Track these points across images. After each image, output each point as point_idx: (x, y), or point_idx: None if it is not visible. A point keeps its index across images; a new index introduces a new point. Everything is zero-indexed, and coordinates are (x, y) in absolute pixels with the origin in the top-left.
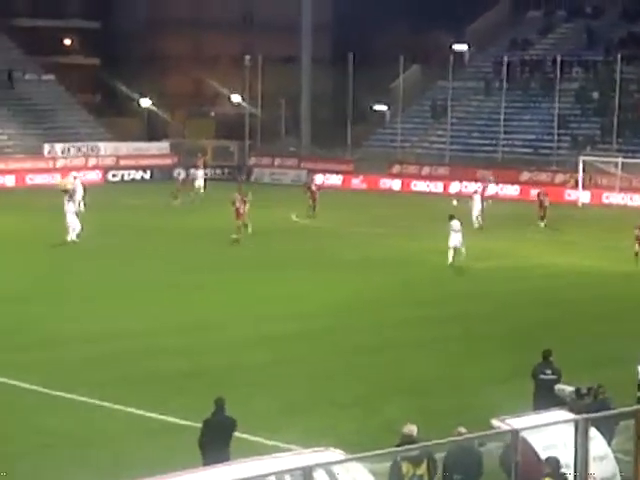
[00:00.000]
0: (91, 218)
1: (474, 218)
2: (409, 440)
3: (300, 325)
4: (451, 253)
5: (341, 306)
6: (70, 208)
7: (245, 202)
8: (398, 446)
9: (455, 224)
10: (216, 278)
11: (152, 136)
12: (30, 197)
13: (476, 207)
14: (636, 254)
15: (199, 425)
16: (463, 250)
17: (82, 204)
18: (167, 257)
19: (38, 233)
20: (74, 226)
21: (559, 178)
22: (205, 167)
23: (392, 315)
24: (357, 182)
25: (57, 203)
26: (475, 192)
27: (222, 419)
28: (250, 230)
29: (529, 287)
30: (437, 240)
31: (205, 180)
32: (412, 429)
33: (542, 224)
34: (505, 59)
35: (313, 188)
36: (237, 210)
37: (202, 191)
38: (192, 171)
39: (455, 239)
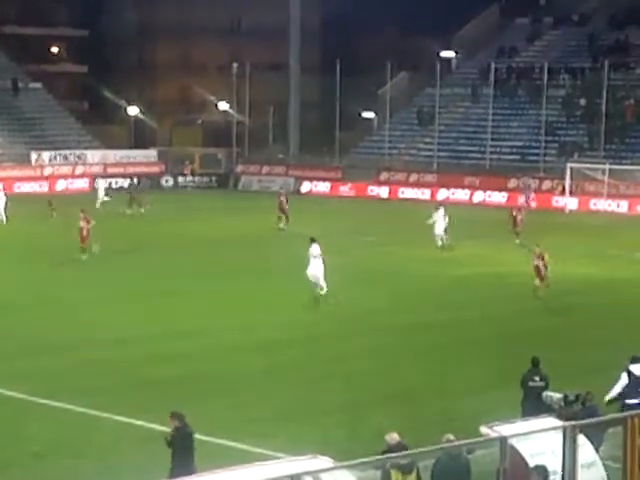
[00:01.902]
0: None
1: (437, 236)
2: (398, 448)
3: (289, 332)
4: (316, 286)
5: (329, 314)
6: None
7: (89, 221)
8: (383, 454)
9: (315, 249)
10: (206, 285)
11: (139, 144)
12: (17, 205)
13: (439, 223)
14: (535, 289)
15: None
16: (322, 286)
17: (3, 215)
18: (157, 264)
19: (22, 241)
20: None
21: (546, 185)
22: (193, 175)
23: (381, 322)
24: (345, 189)
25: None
26: (438, 206)
27: (188, 431)
28: (96, 250)
29: (516, 294)
30: (425, 247)
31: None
32: (395, 437)
33: (517, 241)
34: (492, 66)
35: (281, 198)
36: (81, 230)
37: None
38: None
39: (315, 268)
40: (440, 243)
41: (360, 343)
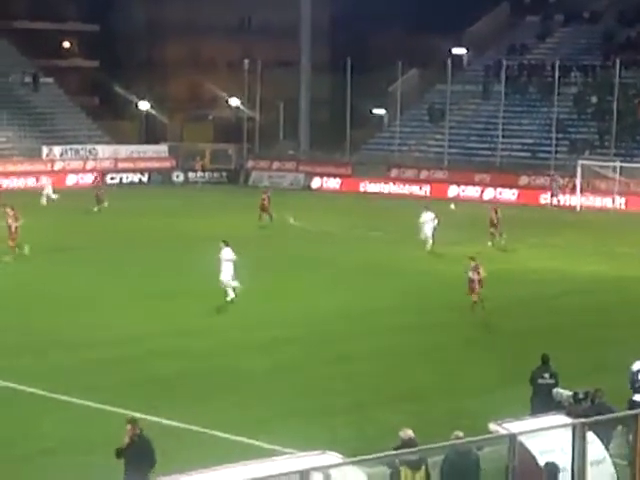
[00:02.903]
0: (86, 222)
1: (425, 238)
2: (410, 444)
3: (298, 331)
4: (229, 291)
5: (338, 312)
6: None
7: (18, 218)
8: (396, 450)
9: (226, 253)
10: (212, 283)
11: (150, 139)
12: (29, 199)
13: (427, 226)
14: (473, 303)
15: (199, 429)
16: (234, 286)
17: None
18: (162, 262)
19: (34, 236)
20: None
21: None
22: (203, 170)
23: (388, 321)
24: (355, 185)
25: (57, 205)
26: (426, 208)
27: (147, 440)
28: (27, 251)
29: (524, 292)
30: (435, 245)
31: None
32: (409, 433)
33: (489, 243)
34: (503, 63)
35: (264, 196)
36: (9, 228)
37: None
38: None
39: (226, 272)
40: (429, 246)
41: (366, 342)
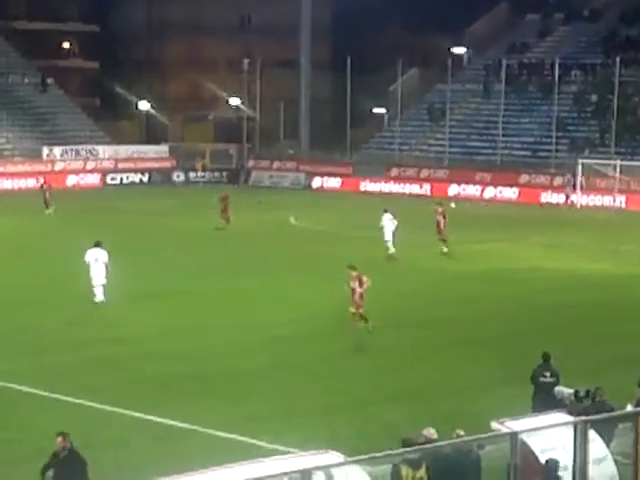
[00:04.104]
0: (89, 221)
1: (386, 241)
2: (427, 443)
3: (298, 329)
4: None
5: (339, 310)
6: None
7: None
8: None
9: (99, 253)
10: (214, 283)
11: (151, 139)
12: (28, 200)
13: (388, 230)
14: (352, 315)
15: (200, 429)
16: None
17: None
18: (164, 262)
19: (35, 236)
20: None
21: (557, 181)
22: (204, 170)
23: (389, 319)
24: (356, 185)
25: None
26: (384, 211)
27: (79, 454)
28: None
29: (527, 290)
30: (434, 244)
31: None
32: (432, 432)
33: (445, 248)
34: (504, 62)
35: (222, 203)
36: None
37: None
38: None
39: (96, 273)
40: (391, 250)
41: (366, 339)
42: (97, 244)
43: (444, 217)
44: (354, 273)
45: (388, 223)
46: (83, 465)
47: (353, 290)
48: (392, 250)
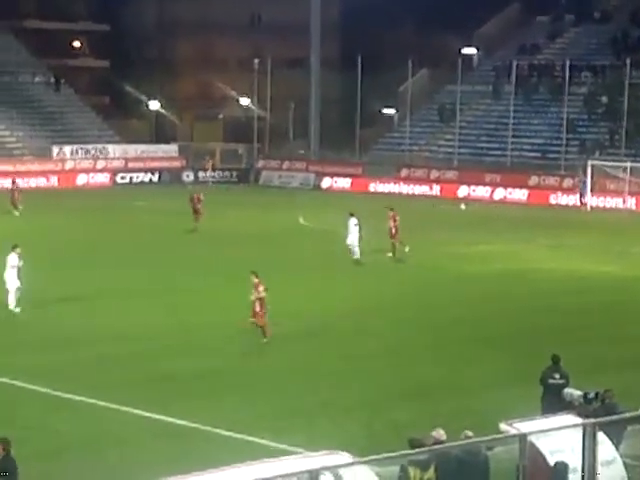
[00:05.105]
0: (98, 220)
1: (349, 246)
2: (436, 444)
3: (305, 328)
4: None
5: (345, 309)
6: None
7: None
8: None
9: (12, 259)
10: (220, 281)
11: (160, 139)
12: (39, 199)
13: (352, 234)
14: (251, 324)
15: (209, 428)
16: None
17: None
18: (169, 260)
19: (40, 235)
20: None
21: (567, 182)
22: (213, 170)
23: (396, 319)
24: (365, 186)
25: (66, 204)
26: (350, 216)
27: (13, 463)
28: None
29: (535, 291)
30: (442, 244)
31: None
32: (441, 433)
33: (391, 254)
34: (514, 63)
35: (195, 198)
36: None
37: None
38: None
39: (10, 279)
40: (356, 256)
41: (375, 339)
42: (14, 248)
43: (395, 220)
44: (255, 280)
45: (353, 228)
46: (14, 472)
47: (254, 301)
48: (357, 255)
